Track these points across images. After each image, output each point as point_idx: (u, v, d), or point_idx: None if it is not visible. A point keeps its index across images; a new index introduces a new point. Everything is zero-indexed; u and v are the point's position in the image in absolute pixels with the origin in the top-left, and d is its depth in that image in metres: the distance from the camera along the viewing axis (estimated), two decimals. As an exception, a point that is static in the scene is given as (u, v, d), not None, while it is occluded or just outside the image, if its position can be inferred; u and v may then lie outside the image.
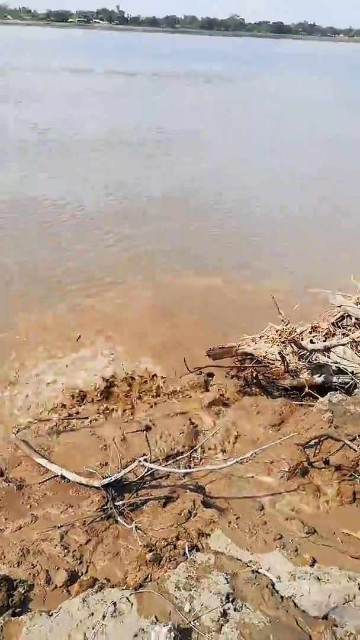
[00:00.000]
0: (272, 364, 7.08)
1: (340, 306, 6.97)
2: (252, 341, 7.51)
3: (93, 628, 3.38)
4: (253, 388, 7.11)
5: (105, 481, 4.87)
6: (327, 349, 6.52)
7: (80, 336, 8.05)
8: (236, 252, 11.82)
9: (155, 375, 7.19)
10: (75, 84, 36.95)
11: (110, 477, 4.89)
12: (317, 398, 6.34)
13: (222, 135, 23.41)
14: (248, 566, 3.93)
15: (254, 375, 7.01)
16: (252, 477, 5.39)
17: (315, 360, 6.82)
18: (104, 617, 3.45)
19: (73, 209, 13.54)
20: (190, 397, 6.81)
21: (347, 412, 5.61)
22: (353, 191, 16.62)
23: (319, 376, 6.75)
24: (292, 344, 6.58)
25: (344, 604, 3.69)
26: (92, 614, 3.49)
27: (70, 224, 12.72)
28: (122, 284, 9.96)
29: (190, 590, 3.70)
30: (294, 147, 22.12)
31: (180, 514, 4.69)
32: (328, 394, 6.05)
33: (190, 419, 6.27)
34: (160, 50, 77.56)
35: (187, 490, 5.07)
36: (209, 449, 5.86)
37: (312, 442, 5.71)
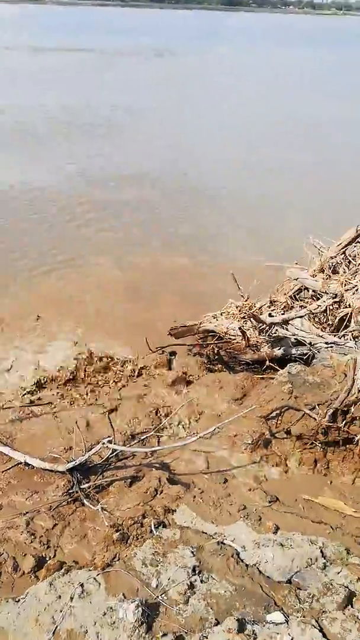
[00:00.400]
0: (234, 340, 7.14)
1: (297, 279, 7.05)
2: (214, 318, 7.54)
3: (61, 611, 3.40)
4: (216, 364, 7.18)
5: (70, 465, 4.86)
6: (286, 322, 6.61)
7: (39, 317, 7.94)
8: (204, 230, 11.78)
9: (115, 357, 7.17)
10: (26, 61, 35.74)
11: (74, 460, 4.88)
12: (278, 370, 6.44)
13: (177, 112, 23.12)
14: (213, 538, 4.01)
15: (216, 351, 7.07)
16: (217, 451, 5.48)
17: (275, 333, 6.91)
18: (71, 598, 3.47)
19: (31, 190, 13.23)
20: (154, 376, 6.82)
21: (305, 382, 5.72)
22: (321, 167, 16.71)
23: (279, 349, 6.85)
24: (252, 319, 6.65)
25: (306, 567, 3.82)
26: (60, 596, 3.51)
27: (24, 204, 12.43)
28: (87, 264, 9.84)
29: (157, 565, 3.76)
30: (252, 124, 22.04)
31: (147, 492, 4.74)
32: (288, 365, 6.15)
33: (154, 398, 6.30)
34: (111, 25, 75.56)
35: (153, 469, 5.12)
36: (174, 426, 5.91)
37: (274, 414, 5.83)
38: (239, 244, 11.16)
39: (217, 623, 3.40)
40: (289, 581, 3.74)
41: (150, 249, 10.71)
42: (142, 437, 5.63)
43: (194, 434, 5.60)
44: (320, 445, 5.48)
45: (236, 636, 3.26)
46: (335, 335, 6.44)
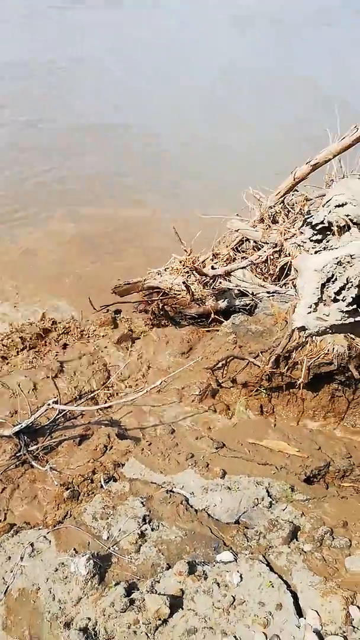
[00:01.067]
0: (179, 295, 7.12)
1: (237, 230, 7.04)
2: (158, 274, 7.47)
3: (11, 571, 3.39)
4: (162, 320, 7.16)
5: (16, 428, 4.77)
6: (228, 274, 6.63)
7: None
8: (155, 183, 11.50)
9: (61, 317, 7.03)
10: None
11: (20, 423, 4.80)
12: (223, 322, 6.49)
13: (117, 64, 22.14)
14: (162, 487, 4.07)
15: (161, 307, 7.04)
16: (165, 405, 5.52)
17: (219, 286, 6.93)
18: (21, 558, 3.47)
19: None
20: (100, 335, 6.74)
21: (248, 331, 5.79)
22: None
23: (223, 301, 6.89)
24: (194, 272, 6.62)
25: (253, 507, 3.95)
26: (10, 557, 3.49)
27: None
28: (38, 218, 9.48)
29: (108, 518, 3.79)
30: (195, 72, 21.40)
31: (96, 449, 4.74)
32: (231, 316, 6.20)
33: (100, 357, 6.24)
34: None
35: (102, 426, 5.10)
36: (122, 382, 5.89)
37: (220, 365, 5.90)
38: (191, 195, 10.98)
39: (169, 567, 3.49)
40: (237, 522, 3.86)
41: (108, 201, 10.42)
42: (90, 396, 5.59)
43: (141, 389, 5.60)
44: (265, 391, 5.61)
45: (187, 578, 3.36)
46: (276, 284, 6.51)
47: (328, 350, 5.51)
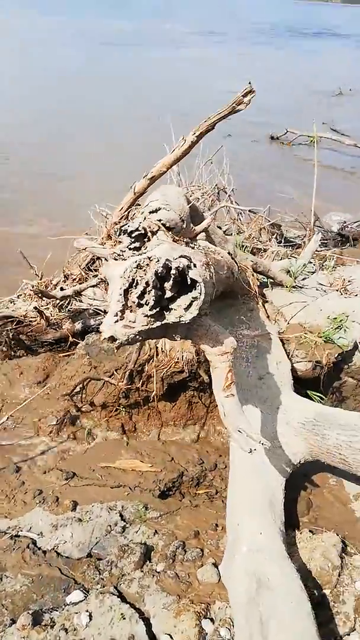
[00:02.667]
0: (34, 321, 6.79)
1: (85, 249, 6.87)
2: (10, 302, 7.09)
3: None
4: (18, 351, 6.78)
5: None
6: (78, 294, 6.43)
7: None
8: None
9: None
10: None
11: None
12: (80, 344, 6.28)
13: None
14: (7, 533, 3.74)
15: (12, 336, 6.66)
16: (20, 440, 5.17)
17: (74, 307, 6.71)
18: None
19: None
20: None
21: (101, 350, 5.63)
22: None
23: (79, 323, 6.67)
24: (42, 296, 6.35)
25: (105, 535, 3.75)
26: None
27: None
28: None
29: None
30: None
31: None
32: (85, 337, 6.01)
33: None
34: None
35: None
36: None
37: (77, 389, 5.68)
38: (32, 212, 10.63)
39: (13, 622, 3.18)
40: (90, 555, 3.64)
41: None
42: None
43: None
44: (124, 409, 5.47)
45: (31, 631, 3.08)
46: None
47: (178, 359, 5.53)
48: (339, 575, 3.30)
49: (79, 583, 3.42)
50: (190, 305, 2.67)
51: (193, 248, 3.59)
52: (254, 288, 4.69)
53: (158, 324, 2.68)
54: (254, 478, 3.44)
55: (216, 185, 7.50)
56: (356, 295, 5.54)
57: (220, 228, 7.52)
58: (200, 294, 2.62)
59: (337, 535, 3.53)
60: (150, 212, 3.85)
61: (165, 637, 3.06)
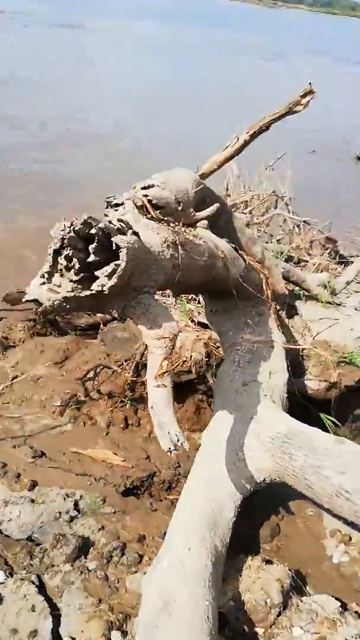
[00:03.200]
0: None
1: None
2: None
3: None
4: (47, 329, 6.83)
5: None
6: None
7: None
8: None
9: None
10: None
11: None
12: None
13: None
14: None
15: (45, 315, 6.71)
16: (21, 415, 5.15)
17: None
18: None
19: None
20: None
21: (115, 338, 5.50)
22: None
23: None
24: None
25: (52, 521, 3.56)
26: None
27: None
28: None
29: None
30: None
31: None
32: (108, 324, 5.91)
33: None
34: None
35: None
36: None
37: (90, 374, 5.58)
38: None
39: None
40: (30, 538, 3.47)
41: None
42: None
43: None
44: (130, 402, 5.27)
45: None
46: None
47: (186, 358, 5.23)
48: (278, 615, 2.83)
49: (8, 564, 3.26)
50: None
51: (178, 232, 3.31)
52: (266, 292, 4.29)
53: (87, 293, 2.45)
54: (204, 490, 3.07)
55: (273, 191, 7.09)
56: None
57: (272, 236, 7.12)
58: (123, 261, 2.34)
59: (290, 571, 3.05)
60: (142, 188, 3.64)
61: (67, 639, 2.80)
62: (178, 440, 2.42)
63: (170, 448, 2.43)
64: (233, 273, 3.86)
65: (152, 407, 2.60)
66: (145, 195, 3.57)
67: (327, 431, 4.47)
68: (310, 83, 5.19)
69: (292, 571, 3.09)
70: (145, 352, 5.28)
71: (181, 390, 5.17)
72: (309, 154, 14.57)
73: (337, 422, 4.49)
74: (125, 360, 5.37)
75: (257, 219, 6.90)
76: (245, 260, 4.11)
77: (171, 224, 3.30)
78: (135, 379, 5.18)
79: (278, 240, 6.97)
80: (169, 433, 2.47)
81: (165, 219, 3.24)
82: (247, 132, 5.82)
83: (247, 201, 6.78)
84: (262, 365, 3.86)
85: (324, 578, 3.19)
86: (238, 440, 3.26)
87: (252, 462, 3.19)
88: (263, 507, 3.56)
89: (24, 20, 35.54)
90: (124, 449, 4.26)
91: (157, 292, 3.22)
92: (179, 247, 3.08)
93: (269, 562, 3.06)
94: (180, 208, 3.62)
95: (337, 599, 3.01)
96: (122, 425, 5.25)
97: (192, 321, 5.60)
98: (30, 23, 34.91)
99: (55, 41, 31.09)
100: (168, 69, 27.88)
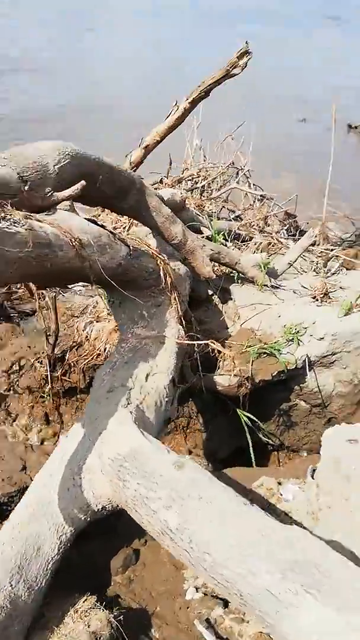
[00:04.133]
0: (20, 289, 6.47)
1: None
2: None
3: None
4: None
5: None
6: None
7: None
8: None
9: None
10: None
11: None
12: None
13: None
14: None
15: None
16: None
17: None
18: None
19: None
20: None
21: (34, 328, 5.11)
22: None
23: (57, 295, 6.19)
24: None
25: None
26: None
27: None
28: None
29: None
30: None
31: None
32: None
33: None
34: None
35: None
36: None
37: (15, 367, 5.23)
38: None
39: None
40: None
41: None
42: None
43: None
44: (51, 398, 4.92)
45: None
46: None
47: (100, 351, 4.79)
48: None
49: None
50: None
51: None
52: (163, 280, 3.74)
53: None
54: (25, 519, 2.66)
55: (232, 163, 6.37)
56: (330, 304, 4.27)
57: (233, 212, 6.48)
58: None
59: (118, 617, 2.56)
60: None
61: None
62: None
63: None
64: (104, 262, 3.34)
65: None
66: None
67: (251, 428, 3.98)
68: (246, 42, 4.61)
69: (134, 610, 2.65)
70: (61, 345, 4.91)
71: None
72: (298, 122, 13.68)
73: (254, 419, 3.96)
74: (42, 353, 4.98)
75: (214, 192, 6.26)
76: (129, 246, 3.58)
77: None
78: (49, 374, 4.80)
79: (238, 217, 6.34)
80: None
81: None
82: (187, 99, 5.21)
83: (199, 174, 6.12)
84: (141, 366, 3.36)
85: (172, 618, 2.71)
86: (78, 461, 2.81)
87: (90, 487, 2.73)
88: (124, 529, 3.11)
89: None
90: (0, 459, 3.88)
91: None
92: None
93: (98, 606, 2.60)
94: (26, 187, 3.14)
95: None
96: (43, 421, 4.97)
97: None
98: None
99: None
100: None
